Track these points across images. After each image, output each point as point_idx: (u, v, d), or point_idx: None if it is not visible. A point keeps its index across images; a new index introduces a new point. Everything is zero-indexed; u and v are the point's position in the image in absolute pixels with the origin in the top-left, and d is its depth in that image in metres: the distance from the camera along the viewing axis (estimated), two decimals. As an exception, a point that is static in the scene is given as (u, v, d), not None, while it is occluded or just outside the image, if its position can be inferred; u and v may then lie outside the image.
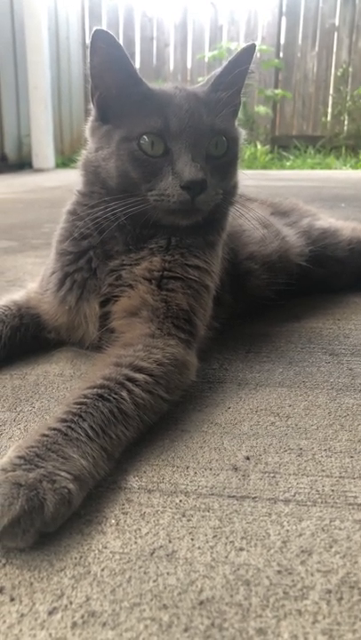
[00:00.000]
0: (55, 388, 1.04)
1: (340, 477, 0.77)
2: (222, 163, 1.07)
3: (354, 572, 0.60)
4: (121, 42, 1.00)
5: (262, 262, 1.36)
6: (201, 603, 0.56)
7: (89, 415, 0.77)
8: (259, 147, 7.51)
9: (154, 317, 1.02)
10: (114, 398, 0.81)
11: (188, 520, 0.68)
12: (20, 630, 0.53)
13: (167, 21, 8.25)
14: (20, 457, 0.69)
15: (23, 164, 6.79)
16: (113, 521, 0.68)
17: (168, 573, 0.60)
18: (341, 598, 0.57)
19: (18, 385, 1.05)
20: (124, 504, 0.71)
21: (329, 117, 8.09)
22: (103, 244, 1.11)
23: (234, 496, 0.73)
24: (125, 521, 0.68)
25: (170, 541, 0.64)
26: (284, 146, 7.98)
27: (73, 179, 1.20)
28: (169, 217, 1.05)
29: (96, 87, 1.07)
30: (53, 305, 1.14)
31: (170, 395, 0.90)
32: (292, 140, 7.99)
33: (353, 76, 7.94)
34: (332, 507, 0.71)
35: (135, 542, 0.64)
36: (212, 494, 0.73)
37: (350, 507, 0.71)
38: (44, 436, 0.73)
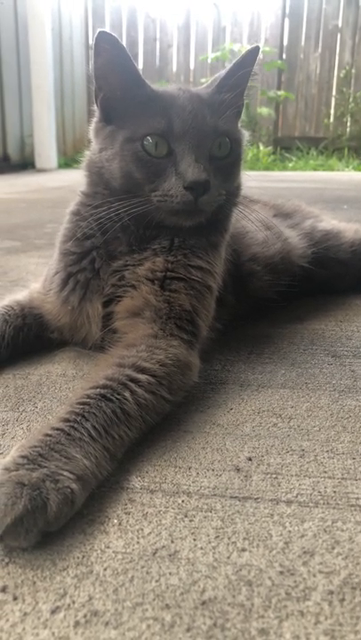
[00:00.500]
0: (58, 388, 1.04)
1: (343, 479, 0.77)
2: (225, 164, 1.08)
3: (356, 574, 0.60)
4: (124, 43, 1.01)
5: (265, 264, 1.36)
6: (203, 603, 0.56)
7: (92, 415, 0.77)
8: (261, 148, 7.52)
9: (157, 318, 1.02)
10: (116, 399, 0.81)
11: (191, 520, 0.68)
12: (23, 629, 0.54)
13: (170, 22, 8.26)
14: (23, 456, 0.69)
15: (26, 164, 6.80)
16: (115, 521, 0.68)
17: (170, 573, 0.60)
18: (343, 599, 0.57)
19: (21, 385, 1.06)
20: (126, 504, 0.71)
21: (332, 119, 8.10)
22: (106, 244, 1.12)
23: (236, 497, 0.73)
24: (128, 521, 0.68)
25: (172, 541, 0.65)
26: (286, 147, 7.99)
27: (75, 179, 1.20)
28: (172, 217, 1.05)
29: (100, 88, 1.07)
30: (56, 305, 1.14)
31: (172, 395, 0.90)
32: (294, 142, 8.00)
33: (356, 78, 7.95)
34: (334, 508, 0.71)
35: (138, 542, 0.65)
36: (215, 495, 0.73)
37: (352, 508, 0.71)
38: (47, 435, 0.73)
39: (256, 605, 0.56)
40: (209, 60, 7.67)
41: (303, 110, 8.25)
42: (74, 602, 0.56)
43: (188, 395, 0.97)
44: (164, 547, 0.64)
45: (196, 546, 0.64)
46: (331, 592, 0.58)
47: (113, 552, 0.63)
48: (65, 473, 0.67)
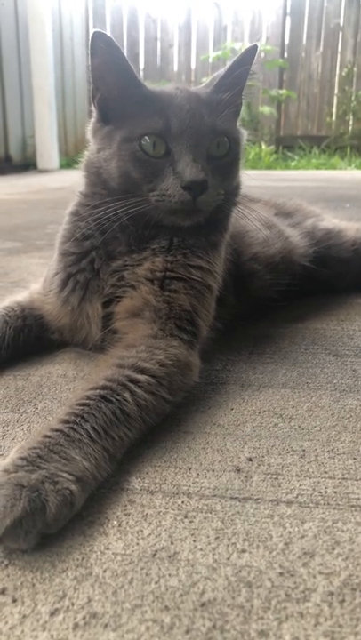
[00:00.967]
0: (58, 389, 1.04)
1: (343, 479, 0.76)
2: (224, 163, 1.07)
3: (356, 575, 0.60)
4: (125, 43, 1.02)
5: (266, 263, 1.35)
6: (203, 604, 0.56)
7: (91, 416, 0.77)
8: (263, 147, 7.50)
9: (156, 318, 1.02)
10: (116, 399, 0.81)
11: (191, 521, 0.68)
12: (22, 631, 0.53)
13: (171, 22, 8.26)
14: (22, 458, 0.69)
15: (27, 164, 6.81)
16: (115, 522, 0.68)
17: (170, 575, 0.60)
18: (343, 600, 0.56)
19: (21, 386, 1.06)
20: (126, 505, 0.71)
21: (334, 117, 8.08)
22: (105, 244, 1.12)
23: (236, 497, 0.72)
24: (127, 522, 0.68)
25: (172, 543, 0.64)
26: (288, 146, 7.98)
27: (77, 179, 1.20)
28: (170, 217, 1.05)
29: (97, 88, 1.07)
30: (56, 306, 1.14)
31: (172, 396, 0.90)
32: (296, 141, 7.99)
33: (358, 76, 7.93)
34: (334, 508, 0.70)
35: (137, 544, 0.64)
36: (215, 496, 0.73)
37: (353, 508, 0.70)
38: (47, 437, 0.73)
39: (256, 607, 0.56)
40: (210, 60, 7.65)
41: (305, 109, 8.24)
42: (73, 604, 0.56)
43: (188, 395, 0.96)
44: (163, 548, 0.64)
45: (195, 547, 0.64)
46: (331, 593, 0.57)
47: (112, 554, 0.63)
48: (64, 474, 0.67)
